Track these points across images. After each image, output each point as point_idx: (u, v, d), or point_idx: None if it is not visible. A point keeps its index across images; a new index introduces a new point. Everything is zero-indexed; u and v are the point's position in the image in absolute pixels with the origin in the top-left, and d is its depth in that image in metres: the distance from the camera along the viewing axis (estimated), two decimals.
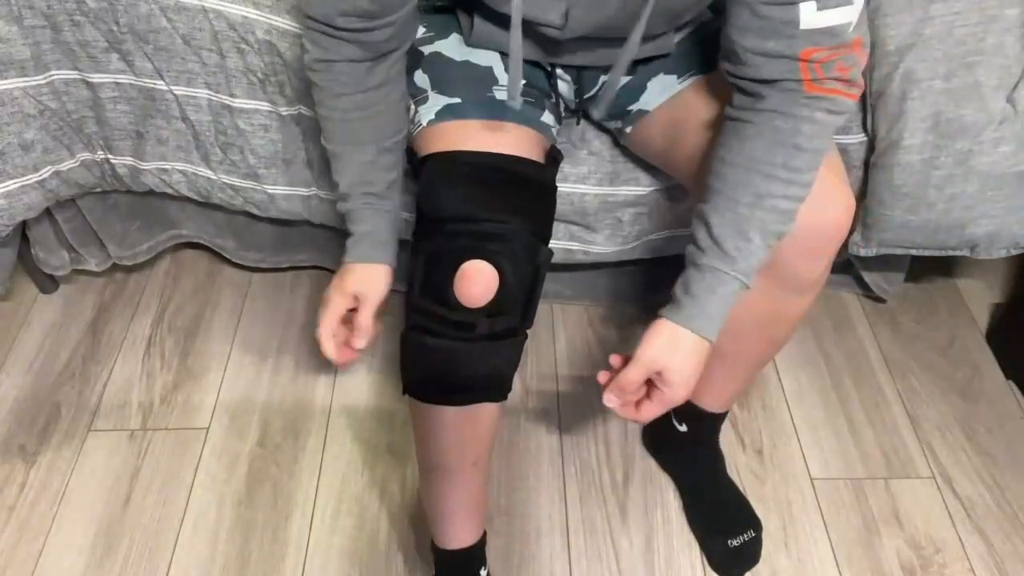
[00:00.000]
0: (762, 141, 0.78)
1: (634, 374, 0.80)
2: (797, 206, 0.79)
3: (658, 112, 0.99)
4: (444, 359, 0.85)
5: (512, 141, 0.89)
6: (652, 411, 0.83)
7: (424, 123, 0.92)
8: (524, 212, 0.85)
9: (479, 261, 0.81)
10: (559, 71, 0.98)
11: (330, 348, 0.90)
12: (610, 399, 0.83)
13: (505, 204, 0.84)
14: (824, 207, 0.86)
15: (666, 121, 0.97)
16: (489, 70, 0.94)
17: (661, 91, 0.98)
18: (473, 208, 0.83)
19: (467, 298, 0.82)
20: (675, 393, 0.81)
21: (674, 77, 0.97)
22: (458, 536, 1.04)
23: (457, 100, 0.91)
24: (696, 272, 0.80)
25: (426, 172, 0.88)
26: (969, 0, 1.04)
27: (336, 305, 0.90)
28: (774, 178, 0.78)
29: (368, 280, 0.91)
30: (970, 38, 1.04)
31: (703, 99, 0.93)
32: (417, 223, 0.88)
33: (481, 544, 1.06)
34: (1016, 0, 1.04)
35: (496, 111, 0.91)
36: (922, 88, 1.06)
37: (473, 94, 0.92)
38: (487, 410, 0.92)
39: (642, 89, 0.99)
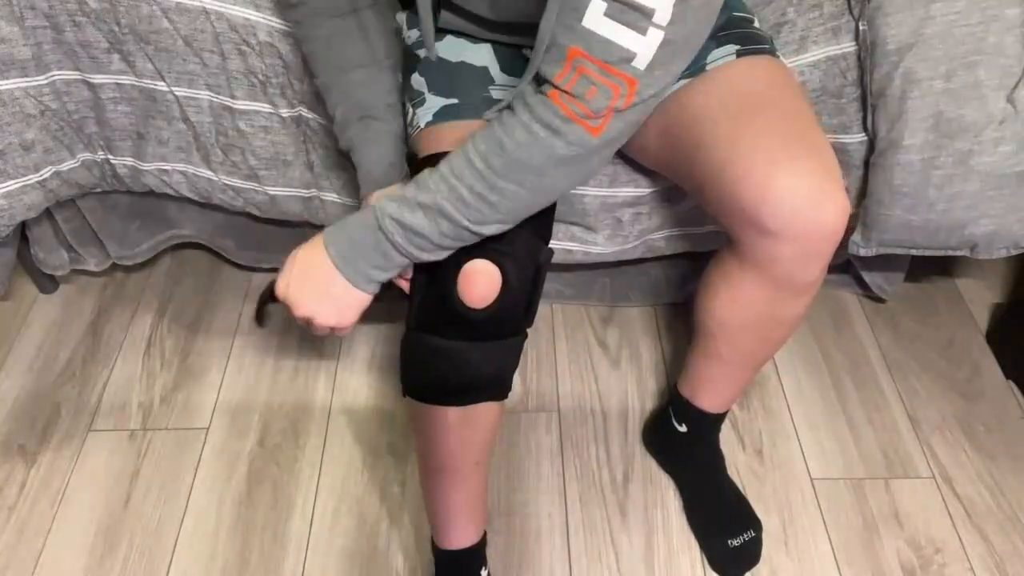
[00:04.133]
0: (489, 131, 0.74)
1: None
2: (480, 213, 0.75)
3: (651, 118, 0.98)
4: (447, 359, 0.85)
5: None
6: None
7: (422, 125, 0.92)
8: None
9: (482, 261, 0.81)
10: None
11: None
12: None
13: None
14: (820, 210, 0.86)
15: (660, 126, 0.97)
16: (484, 70, 0.94)
17: None
18: None
19: (471, 298, 0.82)
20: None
21: None
22: (459, 536, 1.04)
23: (454, 101, 0.91)
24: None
25: None
26: (969, 0, 1.04)
27: None
28: (471, 164, 0.74)
29: None
30: (970, 38, 1.04)
31: (695, 102, 0.92)
32: None
33: (481, 544, 1.07)
34: (1016, 0, 1.05)
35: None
36: (922, 88, 1.06)
37: (470, 95, 0.92)
38: (488, 410, 0.92)
39: None
